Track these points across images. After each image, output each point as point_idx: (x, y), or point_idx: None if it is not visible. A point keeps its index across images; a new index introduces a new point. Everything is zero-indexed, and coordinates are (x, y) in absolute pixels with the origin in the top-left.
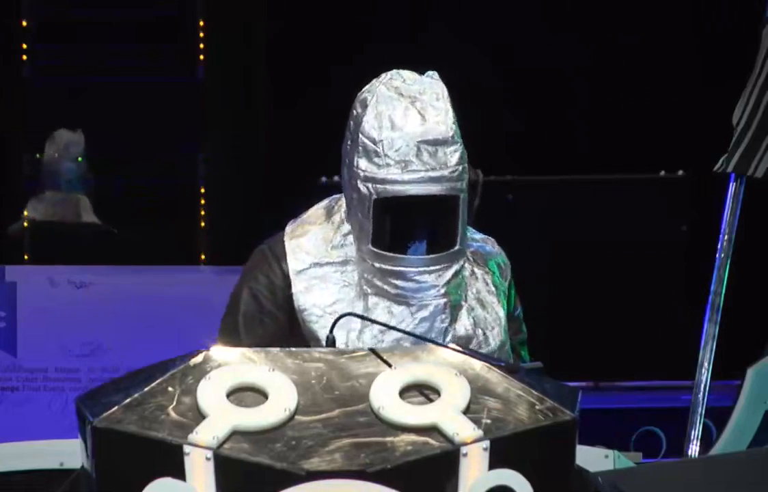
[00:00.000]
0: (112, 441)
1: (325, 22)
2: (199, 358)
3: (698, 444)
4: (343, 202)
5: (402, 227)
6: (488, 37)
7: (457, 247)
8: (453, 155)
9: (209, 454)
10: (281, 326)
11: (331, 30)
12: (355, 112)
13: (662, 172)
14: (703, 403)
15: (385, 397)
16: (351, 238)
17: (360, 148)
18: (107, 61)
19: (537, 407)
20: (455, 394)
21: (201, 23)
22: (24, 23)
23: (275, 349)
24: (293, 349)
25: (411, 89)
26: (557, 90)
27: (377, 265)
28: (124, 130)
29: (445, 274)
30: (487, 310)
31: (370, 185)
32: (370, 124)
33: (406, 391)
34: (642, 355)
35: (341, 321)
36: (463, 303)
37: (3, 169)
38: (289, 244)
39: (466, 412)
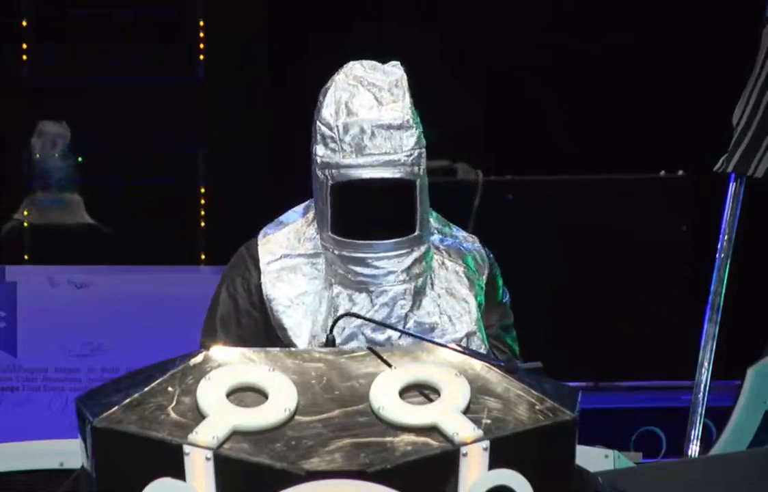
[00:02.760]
0: (112, 441)
1: (326, 21)
2: (199, 358)
3: (698, 444)
4: None
5: (361, 214)
6: (488, 36)
7: (416, 233)
8: (409, 139)
9: (209, 454)
10: (258, 324)
11: (332, 30)
12: (317, 104)
13: (662, 172)
14: (703, 403)
15: (385, 397)
16: None
17: (318, 135)
18: (107, 61)
19: (537, 407)
20: (455, 394)
21: (201, 23)
22: (24, 23)
23: (275, 349)
24: (293, 349)
25: (370, 77)
26: (557, 89)
27: (337, 252)
28: (124, 129)
29: (404, 260)
30: (456, 299)
31: (326, 171)
32: (327, 110)
33: (406, 391)
34: (642, 355)
35: (308, 307)
36: (428, 290)
37: (2, 169)
38: (262, 241)
39: (466, 412)
